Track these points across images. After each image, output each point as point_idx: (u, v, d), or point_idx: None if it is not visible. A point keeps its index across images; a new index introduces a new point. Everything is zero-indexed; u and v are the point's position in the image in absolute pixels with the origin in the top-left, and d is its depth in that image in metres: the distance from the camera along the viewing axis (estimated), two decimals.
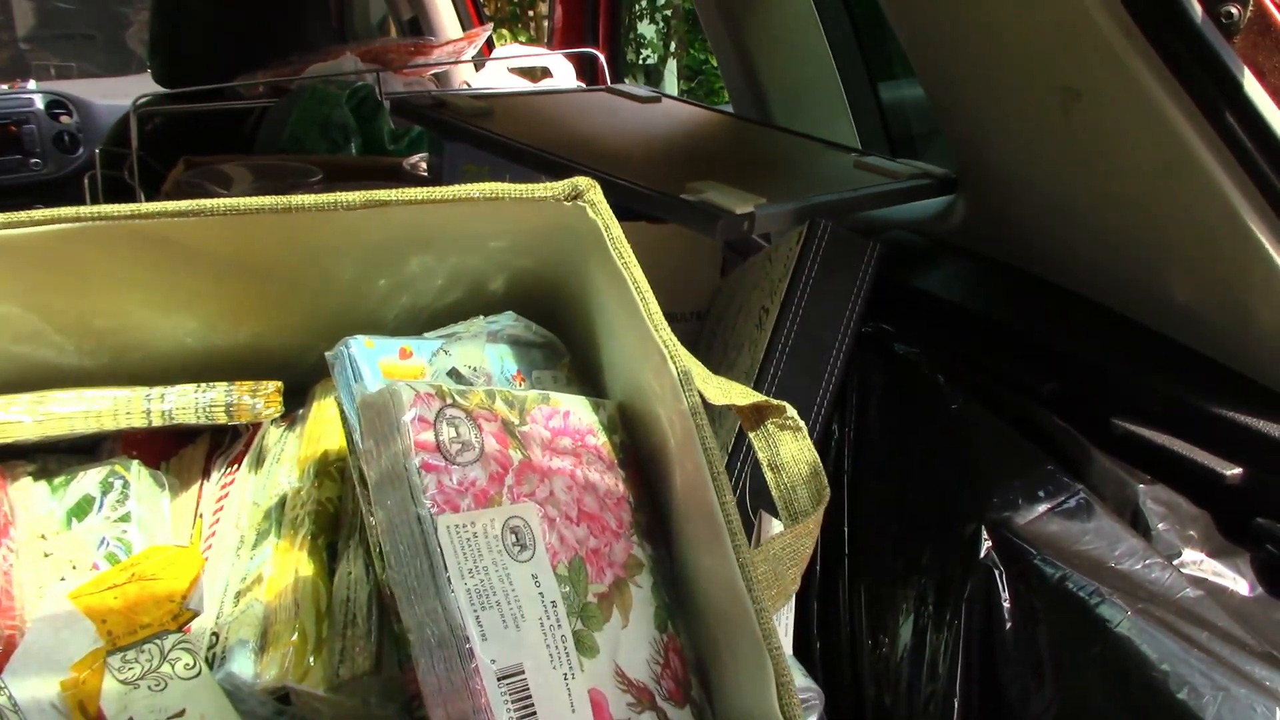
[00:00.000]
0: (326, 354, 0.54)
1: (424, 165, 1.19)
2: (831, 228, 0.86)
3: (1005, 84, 0.87)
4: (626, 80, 2.00)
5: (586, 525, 0.52)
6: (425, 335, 0.57)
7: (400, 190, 0.53)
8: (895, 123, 1.25)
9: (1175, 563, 0.69)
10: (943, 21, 0.87)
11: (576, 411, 0.55)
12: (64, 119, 2.17)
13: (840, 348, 0.86)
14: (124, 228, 0.52)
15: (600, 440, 0.56)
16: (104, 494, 0.55)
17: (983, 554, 0.70)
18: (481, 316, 0.58)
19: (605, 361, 0.62)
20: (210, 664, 0.53)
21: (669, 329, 0.53)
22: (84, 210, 0.52)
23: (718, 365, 0.98)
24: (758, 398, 0.57)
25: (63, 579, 0.51)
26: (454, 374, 0.55)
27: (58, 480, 0.56)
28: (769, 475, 0.59)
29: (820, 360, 0.86)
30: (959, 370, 0.85)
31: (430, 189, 0.53)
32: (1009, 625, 0.68)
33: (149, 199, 1.24)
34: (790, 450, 0.58)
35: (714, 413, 0.84)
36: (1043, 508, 0.72)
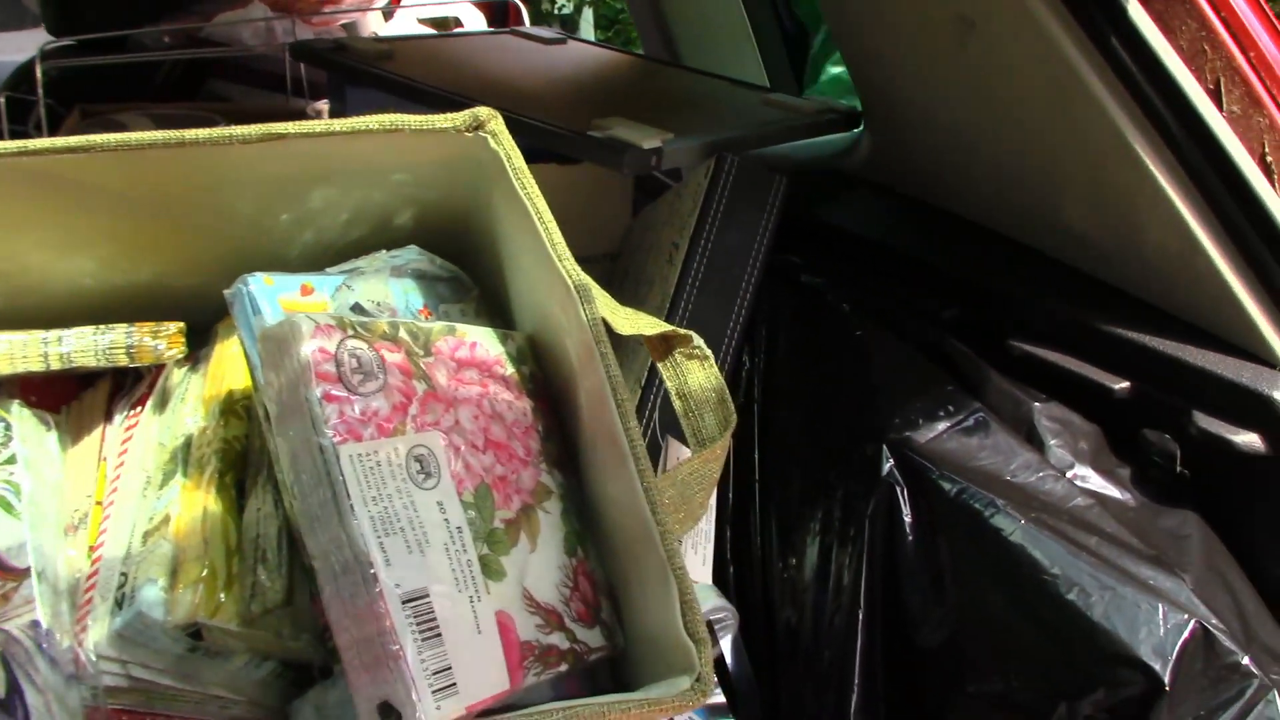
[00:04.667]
0: (225, 291, 0.53)
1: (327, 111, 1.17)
2: (739, 161, 0.87)
3: (902, 14, 0.88)
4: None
5: (493, 453, 0.52)
6: (327, 271, 0.56)
7: (297, 123, 0.53)
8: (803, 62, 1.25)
9: (1068, 475, 0.72)
10: None
11: (483, 343, 0.56)
12: None
13: (750, 280, 0.87)
14: (11, 165, 0.51)
15: (508, 371, 0.56)
16: None
17: (885, 472, 0.72)
18: (385, 251, 0.58)
19: (513, 294, 0.62)
20: (119, 604, 0.52)
21: (572, 258, 0.53)
22: None
23: (628, 302, 0.98)
24: (665, 327, 0.58)
25: None
26: (357, 309, 0.55)
27: None
28: (677, 403, 0.60)
29: (730, 293, 0.87)
30: (864, 299, 0.87)
31: (329, 120, 0.53)
32: (910, 539, 0.71)
33: None
34: (698, 379, 0.59)
35: (626, 349, 0.84)
36: (942, 426, 0.74)
